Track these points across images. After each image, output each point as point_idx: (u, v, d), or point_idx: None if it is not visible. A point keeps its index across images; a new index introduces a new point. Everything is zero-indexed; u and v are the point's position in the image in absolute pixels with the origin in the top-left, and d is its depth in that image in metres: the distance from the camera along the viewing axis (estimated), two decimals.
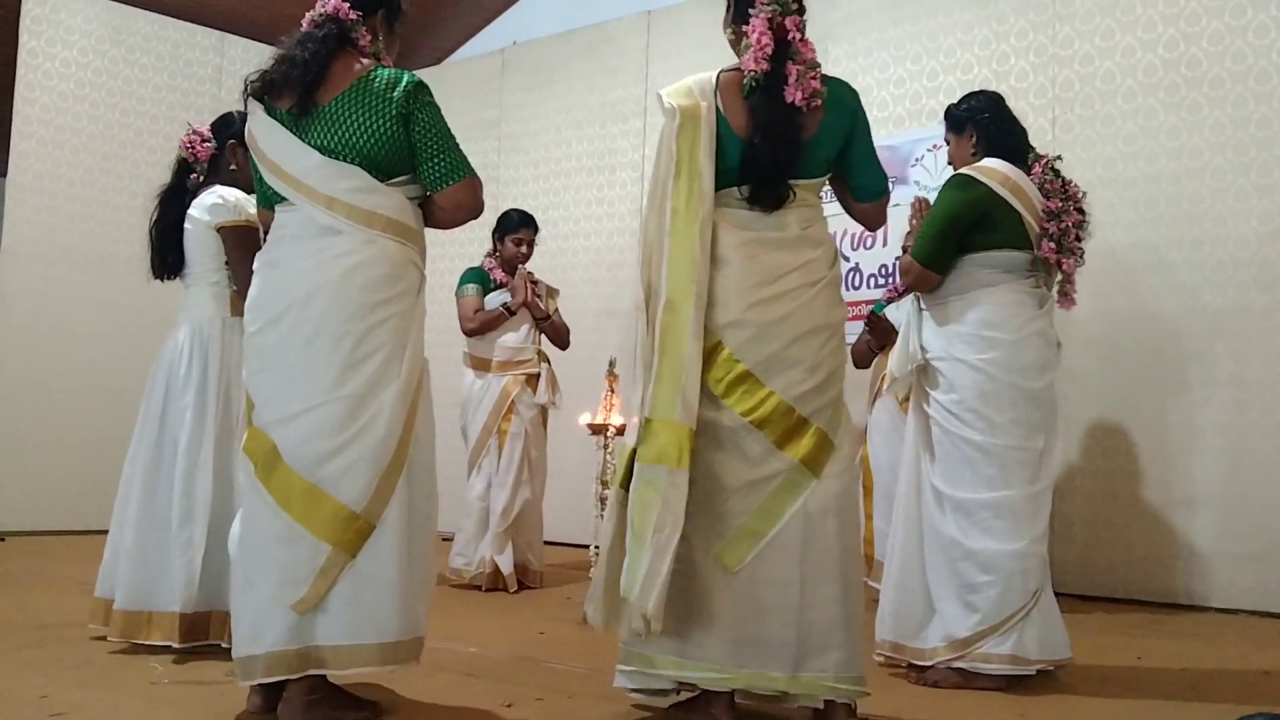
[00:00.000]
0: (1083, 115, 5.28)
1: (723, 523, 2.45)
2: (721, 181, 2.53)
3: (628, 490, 2.46)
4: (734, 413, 2.47)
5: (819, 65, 2.56)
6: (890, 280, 5.53)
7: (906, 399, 3.69)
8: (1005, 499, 3.15)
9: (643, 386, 2.48)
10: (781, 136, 2.49)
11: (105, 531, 3.49)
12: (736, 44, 2.66)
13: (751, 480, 2.46)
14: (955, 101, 3.57)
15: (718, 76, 2.58)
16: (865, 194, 2.72)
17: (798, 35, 2.55)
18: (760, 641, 2.44)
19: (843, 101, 2.62)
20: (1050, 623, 3.18)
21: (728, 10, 2.69)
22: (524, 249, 5.18)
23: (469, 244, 6.95)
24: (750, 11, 2.57)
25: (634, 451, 2.46)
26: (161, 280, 3.58)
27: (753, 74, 2.51)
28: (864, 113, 2.68)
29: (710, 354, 2.49)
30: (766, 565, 2.44)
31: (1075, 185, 3.39)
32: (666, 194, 2.50)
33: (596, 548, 4.21)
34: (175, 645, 3.22)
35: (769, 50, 2.50)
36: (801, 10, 2.60)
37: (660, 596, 2.33)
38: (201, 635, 3.27)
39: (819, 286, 2.56)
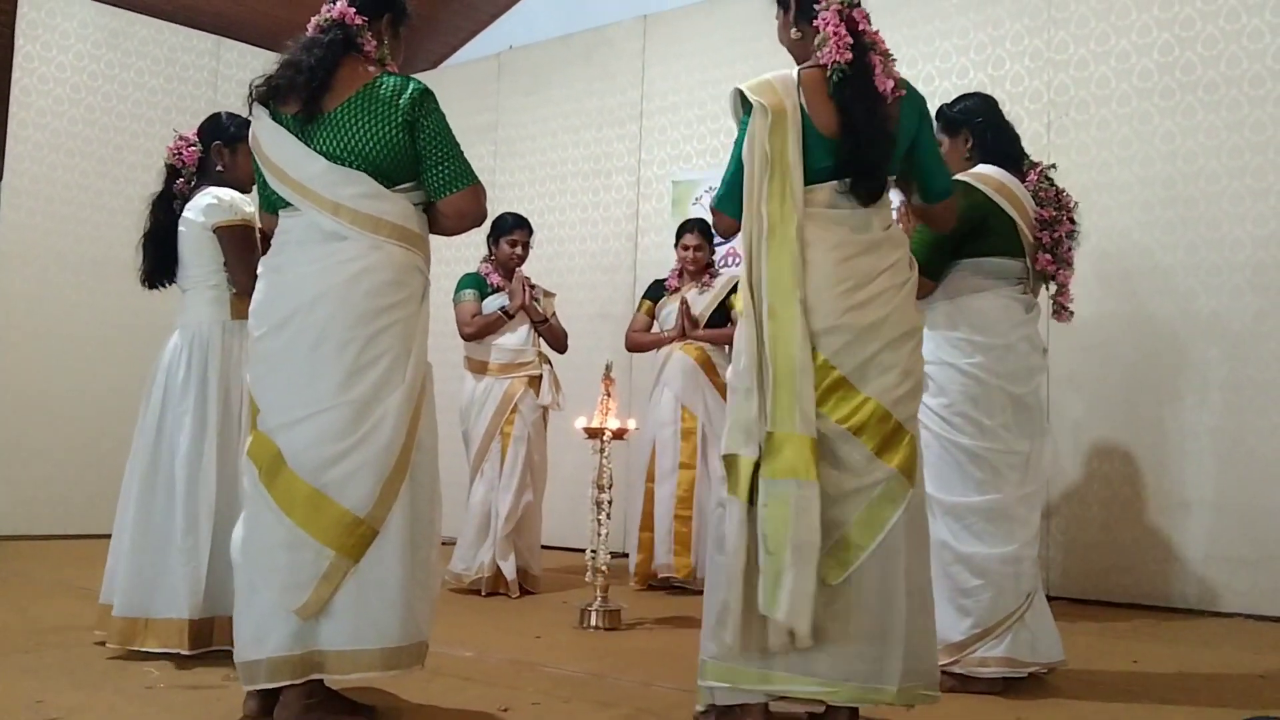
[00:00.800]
0: (1078, 119, 5.29)
1: (823, 534, 2.34)
2: (806, 182, 2.44)
3: (752, 504, 2.36)
4: (830, 420, 2.38)
5: (892, 55, 2.53)
6: None
7: None
8: (996, 502, 3.16)
9: (758, 397, 2.37)
10: (880, 128, 2.44)
11: (102, 535, 3.50)
12: (801, 44, 2.59)
13: (851, 490, 2.38)
14: (948, 103, 3.54)
15: (799, 74, 2.50)
16: (936, 195, 2.69)
17: (868, 26, 2.51)
18: (870, 655, 2.36)
19: (913, 97, 2.59)
20: (1043, 625, 3.18)
21: (786, 12, 2.62)
22: (519, 250, 5.19)
23: (467, 248, 6.93)
24: (816, 8, 2.51)
25: (756, 464, 2.36)
26: (152, 288, 3.58)
27: (837, 65, 2.44)
28: (929, 112, 2.65)
29: None
30: (872, 578, 2.36)
31: (1068, 195, 3.40)
32: (762, 196, 2.41)
33: (593, 552, 4.23)
34: (184, 652, 3.21)
35: (849, 40, 2.45)
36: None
37: (810, 613, 2.27)
38: (206, 641, 3.27)
39: (906, 289, 2.51)
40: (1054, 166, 3.45)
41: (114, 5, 7.24)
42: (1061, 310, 3.42)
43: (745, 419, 2.38)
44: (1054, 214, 3.32)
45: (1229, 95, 4.90)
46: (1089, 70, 5.28)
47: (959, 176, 3.34)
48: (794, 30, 2.61)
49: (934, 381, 3.24)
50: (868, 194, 2.47)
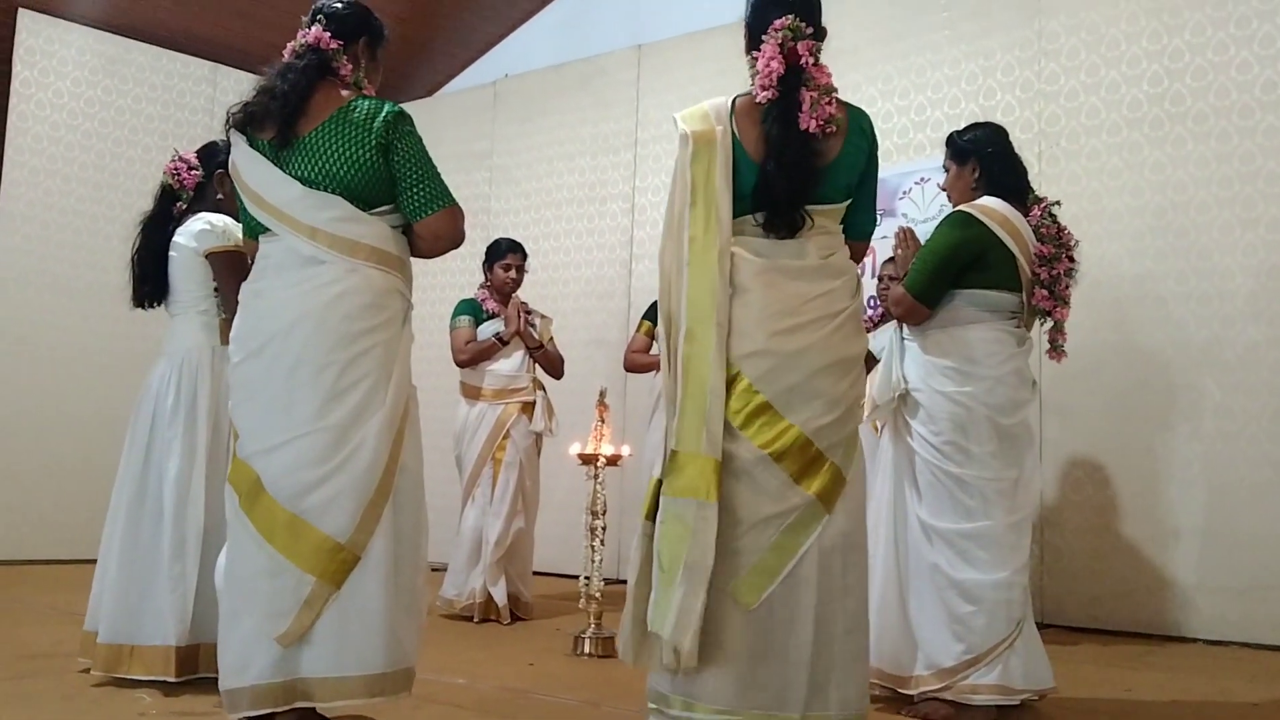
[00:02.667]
0: (1068, 149, 5.33)
1: (737, 558, 2.36)
2: (738, 208, 2.45)
3: (654, 522, 2.41)
4: (752, 445, 2.37)
5: (834, 90, 2.51)
6: (875, 307, 5.56)
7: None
8: (986, 529, 3.16)
9: (666, 418, 2.42)
10: (795, 162, 2.43)
11: (90, 560, 3.47)
12: (751, 73, 2.59)
13: (768, 515, 2.37)
14: (960, 130, 3.54)
15: (733, 101, 2.53)
16: (859, 232, 2.66)
17: (810, 60, 2.49)
18: (772, 682, 2.36)
19: (863, 130, 2.58)
20: (1033, 652, 3.18)
21: (745, 38, 2.63)
22: (513, 274, 5.21)
23: (460, 274, 6.98)
24: (763, 38, 2.52)
25: (659, 483, 2.41)
26: (142, 308, 3.57)
27: (764, 98, 2.46)
28: (877, 148, 2.65)
29: (729, 385, 2.41)
30: (781, 603, 2.35)
31: (1069, 233, 3.40)
32: (684, 222, 2.43)
33: (587, 579, 4.22)
34: (171, 679, 3.18)
35: (776, 76, 2.45)
36: (819, 35, 2.55)
37: (695, 633, 2.27)
38: (193, 668, 3.24)
39: (840, 318, 2.48)
40: (1058, 204, 3.46)
41: (111, 32, 7.28)
42: (1057, 350, 3.43)
43: (657, 440, 2.43)
44: (1053, 251, 3.34)
45: (1218, 126, 4.94)
46: (1079, 101, 5.32)
47: (963, 207, 3.35)
48: (747, 59, 2.62)
49: (923, 408, 3.26)
50: (781, 227, 2.46)
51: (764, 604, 2.35)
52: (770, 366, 2.40)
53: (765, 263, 2.45)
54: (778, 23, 2.50)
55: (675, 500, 2.35)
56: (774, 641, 2.35)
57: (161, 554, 3.28)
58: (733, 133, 2.48)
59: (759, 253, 2.46)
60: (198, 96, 7.65)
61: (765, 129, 2.46)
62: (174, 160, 3.61)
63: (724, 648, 2.33)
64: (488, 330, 5.11)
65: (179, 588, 3.25)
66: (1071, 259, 3.38)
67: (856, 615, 2.45)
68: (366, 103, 2.59)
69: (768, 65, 2.47)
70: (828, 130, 2.46)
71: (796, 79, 2.47)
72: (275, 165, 2.57)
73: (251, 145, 2.61)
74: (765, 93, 2.46)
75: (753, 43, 2.57)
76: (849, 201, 2.58)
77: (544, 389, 5.22)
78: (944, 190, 3.56)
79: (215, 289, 3.42)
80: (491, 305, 5.18)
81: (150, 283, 3.52)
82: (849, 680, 2.41)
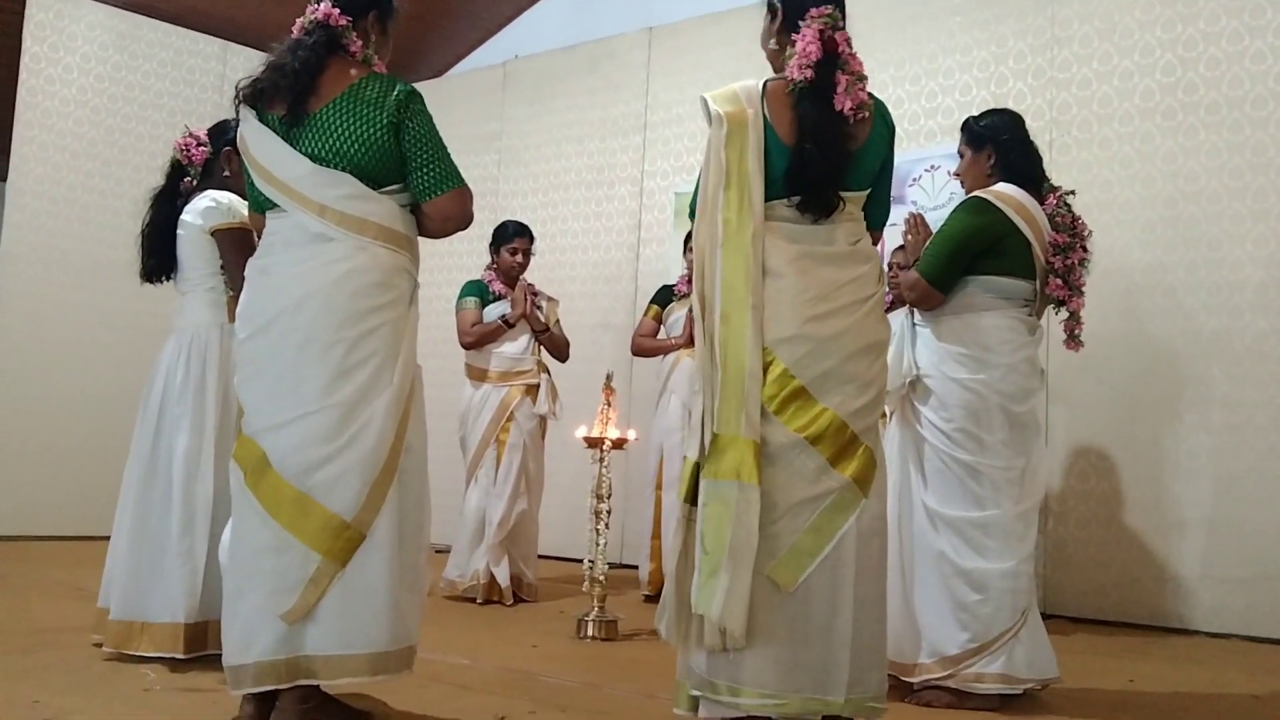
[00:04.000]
0: (1080, 138, 5.31)
1: (775, 541, 2.36)
2: (769, 192, 2.44)
3: (692, 505, 2.41)
4: (787, 429, 2.38)
5: (866, 78, 2.54)
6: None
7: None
8: (995, 518, 3.17)
9: (704, 400, 2.40)
10: (831, 143, 2.44)
11: (101, 537, 3.49)
12: (779, 55, 2.60)
13: (805, 498, 2.38)
14: (976, 116, 3.53)
15: (764, 84, 2.51)
16: (874, 223, 2.66)
17: (847, 49, 2.51)
18: (816, 664, 2.36)
19: (886, 120, 2.60)
20: (1037, 642, 3.19)
21: (771, 20, 2.62)
22: (519, 258, 5.20)
23: (467, 255, 6.97)
24: (801, 23, 2.52)
25: (696, 466, 2.41)
26: (151, 282, 3.57)
27: (797, 81, 2.45)
28: (894, 139, 2.66)
29: (764, 369, 2.41)
30: (821, 586, 2.36)
31: (1083, 222, 3.40)
32: (717, 205, 2.42)
33: (591, 562, 4.23)
34: (179, 656, 3.20)
35: (814, 58, 2.45)
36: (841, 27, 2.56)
37: (743, 613, 2.28)
38: (201, 645, 3.25)
39: (870, 302, 2.51)
40: (1072, 193, 3.46)
41: (122, 8, 7.27)
42: (1074, 340, 3.43)
43: (694, 421, 2.43)
44: (1068, 240, 3.33)
45: (1231, 116, 4.91)
46: (1092, 89, 5.29)
47: (979, 193, 3.34)
48: (773, 40, 2.62)
49: (935, 395, 3.26)
50: (816, 209, 2.47)
51: (803, 586, 2.36)
52: (806, 351, 2.41)
53: (798, 248, 2.45)
54: (819, 10, 2.51)
55: (717, 483, 2.34)
56: (816, 625, 2.36)
57: (171, 530, 3.29)
58: (764, 116, 2.47)
59: (791, 238, 2.46)
60: (208, 74, 7.63)
61: (799, 111, 2.45)
62: (184, 136, 3.61)
63: (765, 631, 2.33)
64: (494, 312, 5.11)
65: (187, 564, 3.26)
66: (1085, 249, 3.37)
67: (883, 599, 2.50)
68: (378, 81, 2.58)
69: (807, 48, 2.46)
70: (860, 115, 2.48)
71: (833, 64, 2.48)
72: (285, 141, 2.56)
73: (261, 120, 2.60)
74: (804, 73, 2.45)
75: (789, 24, 2.56)
76: (870, 190, 2.59)
77: (549, 372, 5.23)
78: (957, 176, 3.55)
79: (222, 266, 3.42)
80: (498, 287, 5.18)
81: (157, 257, 3.52)
82: (883, 662, 2.47)
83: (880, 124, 2.57)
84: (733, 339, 2.38)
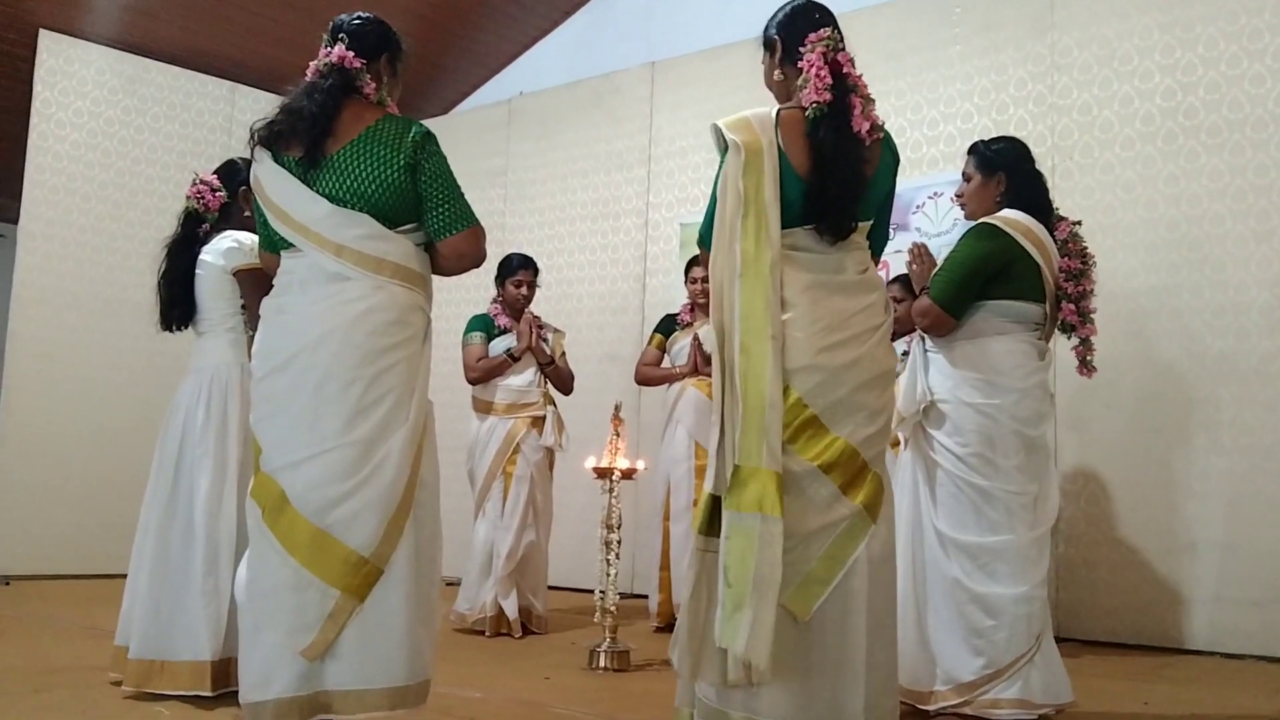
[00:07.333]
0: (1082, 163, 5.34)
1: (789, 570, 2.35)
2: (783, 221, 2.45)
3: (710, 537, 2.39)
4: (800, 458, 2.38)
5: (874, 100, 2.56)
6: None
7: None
8: (1009, 543, 3.17)
9: (723, 431, 2.39)
10: (851, 167, 2.45)
11: (113, 575, 3.50)
12: (785, 85, 2.62)
13: (818, 526, 2.37)
14: (986, 141, 3.55)
15: (777, 113, 2.52)
16: (876, 251, 2.68)
17: (852, 70, 2.54)
18: (831, 694, 2.34)
19: (893, 150, 2.63)
20: (1052, 666, 3.18)
21: (772, 55, 2.64)
22: (524, 290, 5.23)
23: (475, 289, 7.00)
24: (800, 50, 2.54)
25: (713, 498, 2.40)
26: (171, 331, 3.60)
27: (816, 105, 2.46)
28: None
29: None
30: (834, 615, 2.36)
31: (1092, 254, 3.44)
32: (735, 234, 2.42)
33: (602, 593, 4.23)
34: (206, 694, 3.20)
35: (829, 80, 2.47)
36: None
37: (769, 647, 2.26)
38: (226, 682, 3.24)
39: (880, 332, 2.52)
40: (1079, 223, 3.49)
41: (130, 52, 7.36)
42: (1087, 366, 3.45)
43: (712, 452, 2.41)
44: (1080, 266, 3.36)
45: (1232, 139, 4.94)
46: (1092, 115, 5.33)
47: (988, 219, 3.36)
48: (778, 72, 2.63)
49: (950, 420, 3.26)
50: (835, 232, 2.47)
51: (817, 616, 2.35)
52: (819, 381, 2.41)
53: (810, 277, 2.46)
54: (817, 34, 2.53)
55: (740, 515, 2.33)
56: (829, 654, 2.35)
57: (193, 569, 3.29)
58: (778, 145, 2.47)
59: (803, 266, 2.47)
60: (216, 115, 7.71)
61: (816, 139, 2.46)
62: (195, 184, 3.62)
63: (778, 661, 2.31)
64: (499, 346, 5.14)
65: (213, 603, 3.26)
66: (1090, 278, 3.40)
67: (894, 626, 2.50)
68: (394, 122, 2.62)
69: (819, 72, 2.48)
70: (874, 136, 2.51)
71: (843, 86, 2.50)
72: (303, 183, 2.59)
73: (277, 162, 2.63)
74: (821, 95, 2.46)
75: (788, 56, 2.59)
76: (873, 220, 2.62)
77: (554, 404, 5.24)
78: (959, 200, 3.55)
79: (242, 306, 3.45)
80: (504, 321, 5.20)
81: (179, 306, 3.54)
82: (891, 689, 2.46)
83: (888, 154, 2.60)
84: (752, 370, 2.37)
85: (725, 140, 2.47)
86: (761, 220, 2.42)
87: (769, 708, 2.32)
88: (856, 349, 2.45)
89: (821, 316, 2.44)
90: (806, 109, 2.47)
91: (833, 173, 2.44)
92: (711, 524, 2.40)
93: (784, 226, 2.46)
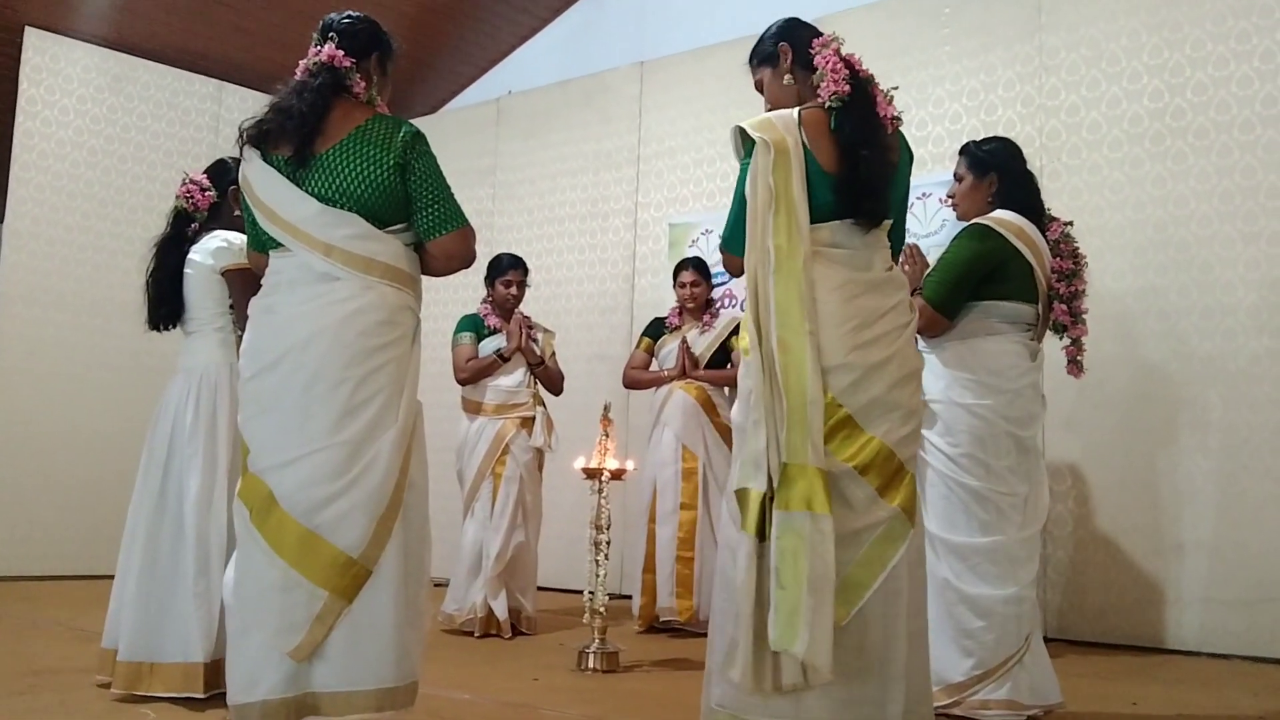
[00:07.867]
0: (1070, 164, 5.35)
1: None
2: (811, 218, 2.44)
3: (761, 539, 2.31)
4: (835, 459, 2.34)
5: (892, 93, 2.58)
6: None
7: None
8: (999, 544, 3.17)
9: (767, 429, 2.34)
10: (880, 151, 2.46)
11: (100, 577, 3.48)
12: (796, 90, 2.62)
13: (855, 529, 2.33)
14: (978, 141, 3.56)
15: (799, 114, 2.51)
16: (894, 251, 2.67)
17: (862, 68, 2.56)
18: (873, 698, 2.31)
19: (908, 148, 2.64)
20: (1041, 667, 3.19)
21: (778, 64, 2.65)
22: (514, 290, 5.22)
23: (464, 289, 6.99)
24: (810, 53, 2.56)
25: (764, 497, 2.33)
26: (159, 330, 3.58)
27: (835, 95, 2.46)
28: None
29: None
30: (875, 618, 2.32)
31: (1084, 257, 3.45)
32: (766, 231, 2.40)
33: (591, 593, 4.22)
34: (198, 695, 3.19)
35: (846, 73, 2.49)
36: None
37: (829, 648, 2.21)
38: (218, 683, 3.19)
39: (909, 330, 2.50)
40: (1070, 224, 3.49)
41: (117, 50, 7.32)
42: (1077, 366, 3.46)
43: (754, 451, 2.35)
44: (1072, 267, 3.36)
45: (1219, 140, 4.96)
46: (1080, 116, 5.34)
47: (981, 220, 3.36)
48: (788, 78, 2.64)
49: (942, 421, 3.26)
50: (871, 216, 2.46)
51: (858, 619, 2.31)
52: (853, 380, 2.38)
53: (841, 275, 2.45)
54: (823, 39, 2.57)
55: (790, 514, 2.28)
56: (871, 657, 2.32)
57: (184, 571, 3.28)
58: (803, 144, 2.47)
59: (833, 262, 2.46)
60: (203, 114, 7.68)
61: (843, 127, 2.47)
62: (185, 183, 3.60)
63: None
64: (489, 347, 5.13)
65: (204, 604, 3.25)
66: (1082, 278, 3.41)
67: (926, 629, 2.49)
68: (384, 122, 2.60)
69: (835, 65, 2.50)
70: (895, 125, 2.54)
71: (861, 80, 2.53)
72: (291, 182, 2.57)
73: (265, 161, 2.61)
74: (841, 86, 2.48)
75: (799, 56, 2.61)
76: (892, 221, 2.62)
77: (544, 404, 5.23)
78: (951, 201, 3.55)
79: (231, 306, 3.43)
80: (494, 321, 5.19)
81: (167, 305, 3.53)
82: (927, 692, 2.46)
83: (905, 152, 2.62)
84: (793, 365, 2.34)
85: (750, 140, 2.47)
86: (792, 216, 2.40)
87: (811, 712, 2.28)
88: (888, 347, 2.43)
89: (853, 315, 2.42)
90: (827, 103, 2.48)
91: (863, 158, 2.44)
92: (763, 526, 2.33)
93: (813, 222, 2.44)
